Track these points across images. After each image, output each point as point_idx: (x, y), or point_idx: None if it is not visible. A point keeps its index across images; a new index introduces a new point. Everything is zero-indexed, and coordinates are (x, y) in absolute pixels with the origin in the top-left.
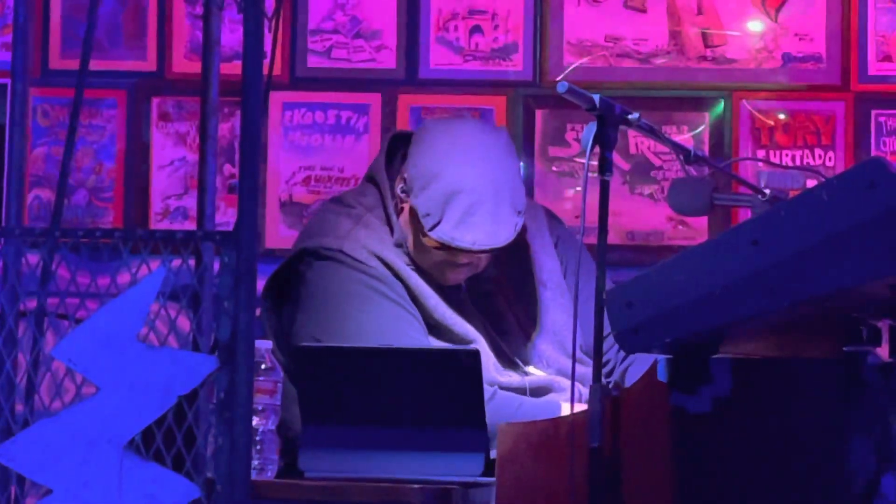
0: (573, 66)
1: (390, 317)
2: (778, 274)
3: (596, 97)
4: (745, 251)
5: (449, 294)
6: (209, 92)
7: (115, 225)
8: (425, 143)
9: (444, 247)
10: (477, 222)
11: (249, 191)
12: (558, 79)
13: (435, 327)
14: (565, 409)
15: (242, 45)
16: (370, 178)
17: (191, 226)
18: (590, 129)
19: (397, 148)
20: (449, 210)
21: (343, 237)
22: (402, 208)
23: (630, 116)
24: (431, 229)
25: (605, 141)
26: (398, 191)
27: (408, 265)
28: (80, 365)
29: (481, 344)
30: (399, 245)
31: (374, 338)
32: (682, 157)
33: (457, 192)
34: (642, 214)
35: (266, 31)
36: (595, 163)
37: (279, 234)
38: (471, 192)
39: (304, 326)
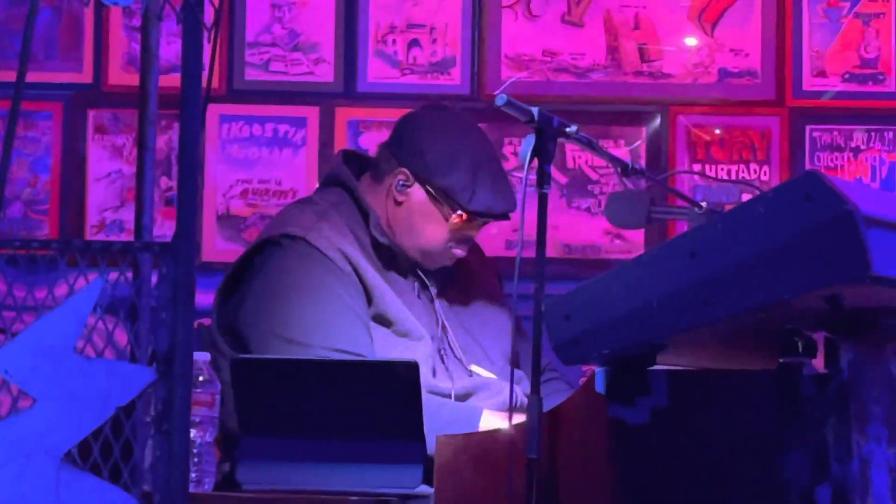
0: (511, 80)
1: (339, 319)
2: (715, 286)
3: (534, 110)
4: (682, 263)
5: (402, 291)
6: (147, 102)
7: (50, 237)
8: (430, 128)
9: (470, 220)
10: (502, 189)
11: (188, 201)
12: (496, 93)
13: (386, 320)
14: (485, 417)
15: (182, 53)
16: (332, 182)
17: (127, 238)
18: (528, 142)
19: (348, 163)
20: (479, 182)
21: (308, 228)
22: (400, 202)
23: (568, 129)
24: (470, 202)
25: (544, 154)
26: (396, 186)
27: (366, 260)
28: (16, 377)
29: (426, 342)
30: (372, 239)
31: (316, 332)
32: (619, 170)
33: (480, 163)
34: (579, 228)
35: (206, 41)
36: (533, 176)
37: (216, 248)
38: (489, 162)
39: (249, 307)
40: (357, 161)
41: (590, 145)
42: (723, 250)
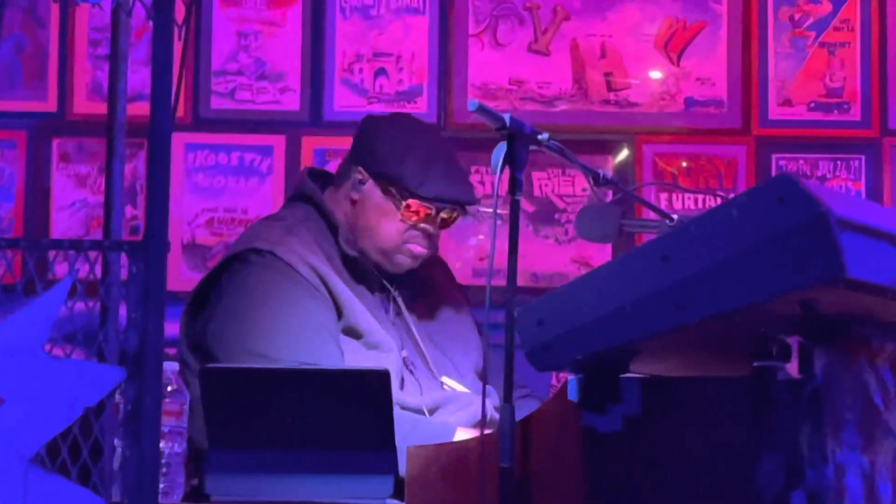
0: None
1: (307, 332)
2: (688, 290)
3: (506, 116)
4: (654, 267)
5: (370, 305)
6: (116, 108)
7: (14, 266)
8: (384, 127)
9: (425, 210)
10: (455, 179)
11: (159, 200)
12: (469, 110)
13: (356, 333)
14: (459, 433)
15: (152, 49)
16: (299, 197)
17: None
18: (500, 150)
19: (314, 179)
20: (431, 171)
21: (275, 242)
22: (356, 201)
23: (540, 136)
24: (421, 187)
25: (516, 161)
26: (353, 183)
27: (335, 274)
28: None
29: (396, 354)
30: (340, 253)
31: (286, 346)
32: (591, 180)
33: (432, 156)
34: (546, 256)
35: (176, 39)
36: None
37: (181, 276)
38: (441, 156)
39: (217, 323)
40: (322, 177)
41: (561, 153)
42: (695, 254)
